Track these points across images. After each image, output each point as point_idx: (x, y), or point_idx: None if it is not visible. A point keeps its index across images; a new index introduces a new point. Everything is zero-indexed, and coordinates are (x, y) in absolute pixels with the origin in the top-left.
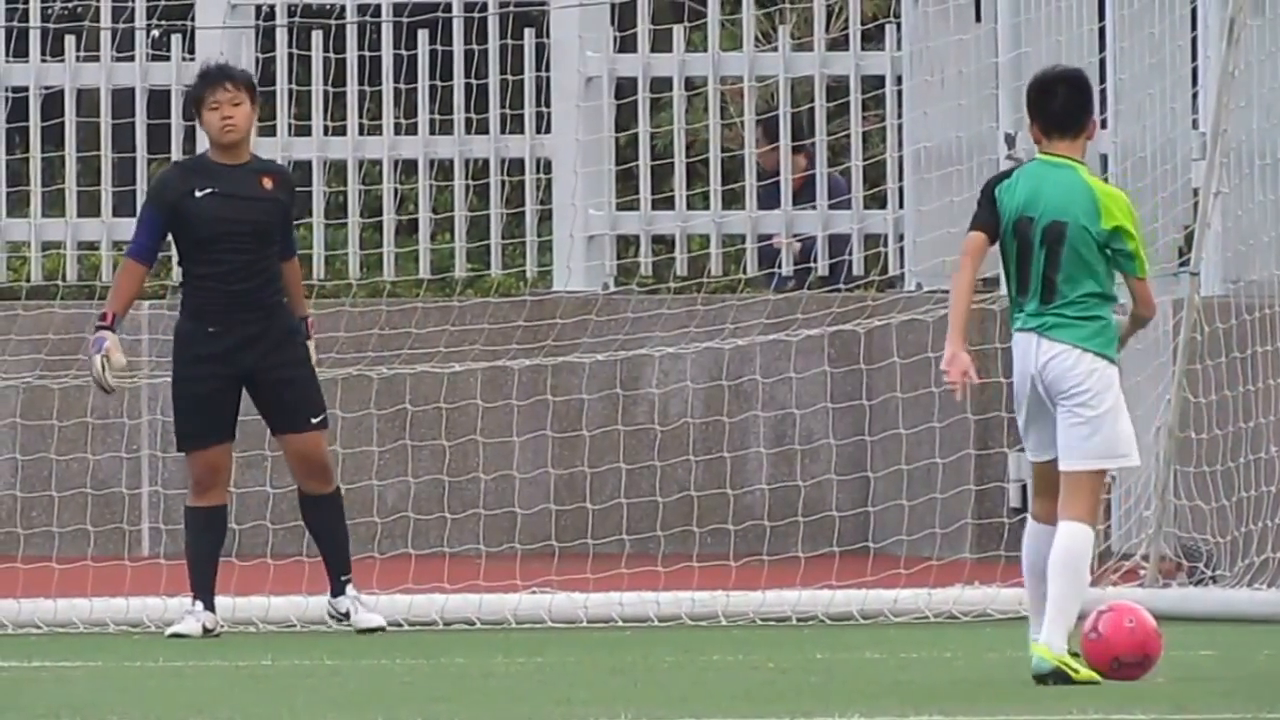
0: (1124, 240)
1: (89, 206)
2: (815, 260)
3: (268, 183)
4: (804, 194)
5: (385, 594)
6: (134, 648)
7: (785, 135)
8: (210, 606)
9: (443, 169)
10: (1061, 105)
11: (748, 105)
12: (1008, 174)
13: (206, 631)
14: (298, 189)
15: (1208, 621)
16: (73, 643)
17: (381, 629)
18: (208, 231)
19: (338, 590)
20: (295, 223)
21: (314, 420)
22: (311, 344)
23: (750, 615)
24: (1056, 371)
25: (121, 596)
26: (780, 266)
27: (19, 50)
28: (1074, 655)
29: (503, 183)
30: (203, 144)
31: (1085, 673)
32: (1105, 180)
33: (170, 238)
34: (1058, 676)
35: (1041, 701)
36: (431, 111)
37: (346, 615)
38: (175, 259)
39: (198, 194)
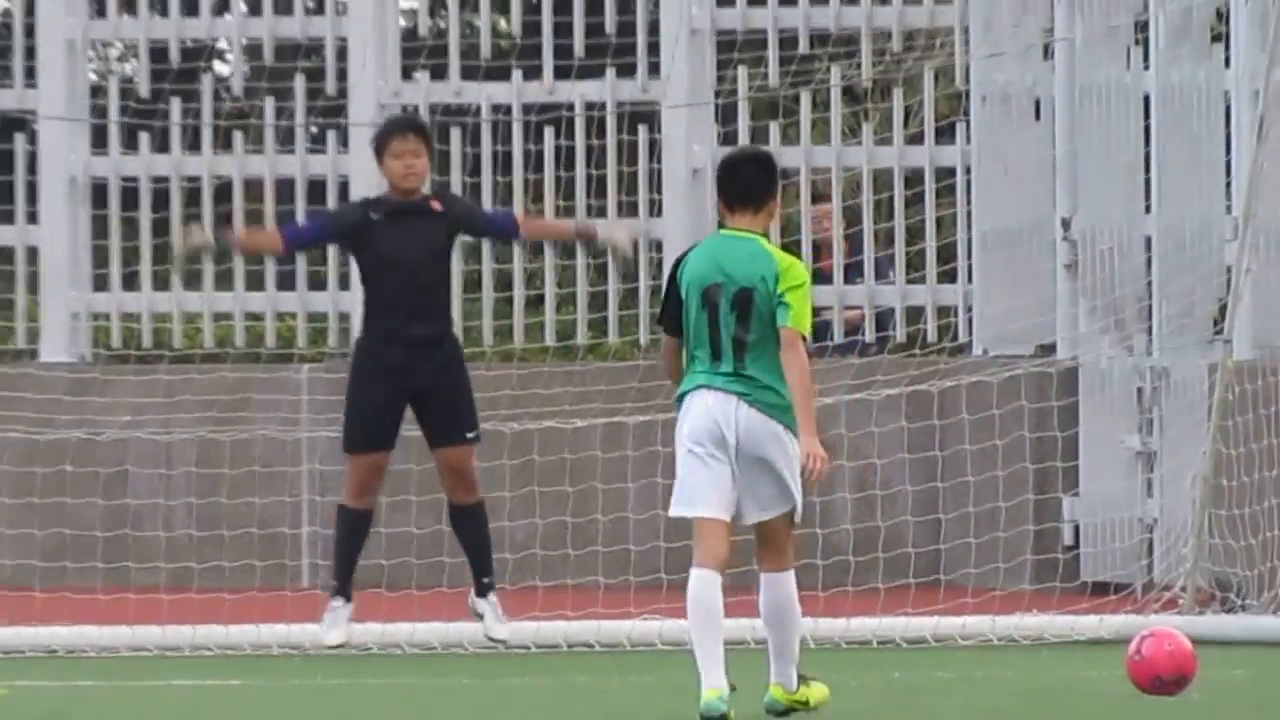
0: (790, 295)
1: (254, 282)
2: (894, 329)
3: (436, 205)
4: (851, 269)
5: (516, 620)
6: (294, 667)
7: (868, 219)
8: (348, 597)
9: (566, 249)
10: (744, 182)
11: (835, 193)
12: (689, 252)
13: (342, 642)
14: None
15: (1238, 645)
16: (241, 663)
17: (505, 642)
18: (388, 254)
19: (481, 591)
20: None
21: (469, 435)
22: (607, 232)
23: (836, 639)
24: (757, 436)
25: (284, 623)
26: (861, 334)
27: (192, 144)
28: (805, 680)
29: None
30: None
31: (817, 695)
32: (786, 250)
33: (355, 263)
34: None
35: (1089, 708)
36: (556, 198)
37: (483, 616)
38: (359, 277)
39: (374, 217)
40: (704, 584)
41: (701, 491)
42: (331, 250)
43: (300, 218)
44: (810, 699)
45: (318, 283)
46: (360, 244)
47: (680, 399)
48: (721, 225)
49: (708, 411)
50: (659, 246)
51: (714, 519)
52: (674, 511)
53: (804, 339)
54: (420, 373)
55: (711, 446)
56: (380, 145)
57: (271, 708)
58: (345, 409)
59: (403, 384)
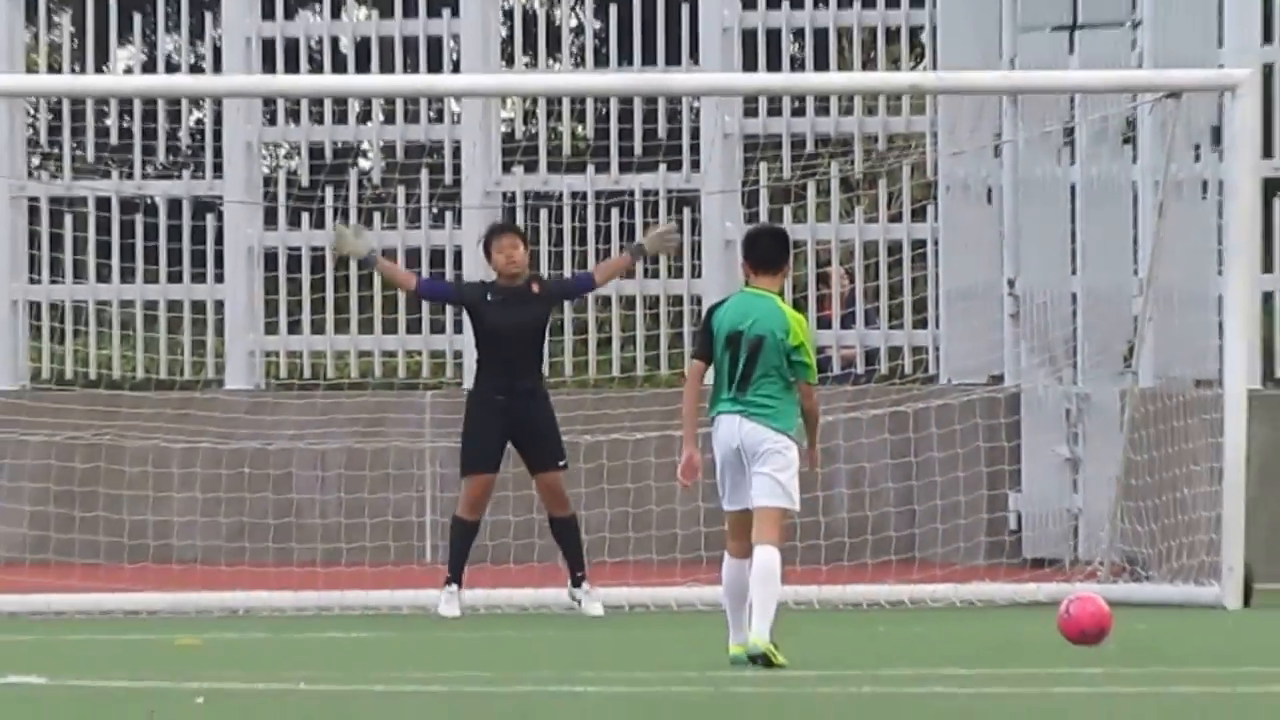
0: (802, 355)
1: (389, 326)
2: (879, 363)
3: (535, 287)
4: (846, 317)
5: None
6: (420, 623)
7: (860, 279)
8: (460, 583)
9: (628, 301)
10: (764, 251)
11: (834, 260)
12: (721, 304)
13: (456, 615)
14: None
15: (1143, 606)
16: (379, 620)
17: (600, 615)
18: (495, 327)
19: (575, 583)
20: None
21: (560, 464)
22: (653, 237)
23: (834, 603)
24: (752, 440)
25: (411, 589)
26: (854, 367)
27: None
28: (775, 646)
29: (669, 311)
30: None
31: (781, 659)
32: (796, 308)
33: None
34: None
35: (1029, 655)
36: None
37: (579, 603)
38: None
39: (490, 298)
40: (733, 570)
41: (727, 495)
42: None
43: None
44: (776, 658)
45: (439, 327)
46: (477, 317)
47: (711, 416)
48: (746, 283)
49: (726, 431)
50: (699, 300)
51: (737, 512)
52: (724, 506)
53: (811, 385)
54: (519, 417)
55: (731, 462)
56: (487, 244)
57: (402, 655)
58: (462, 443)
59: (506, 425)
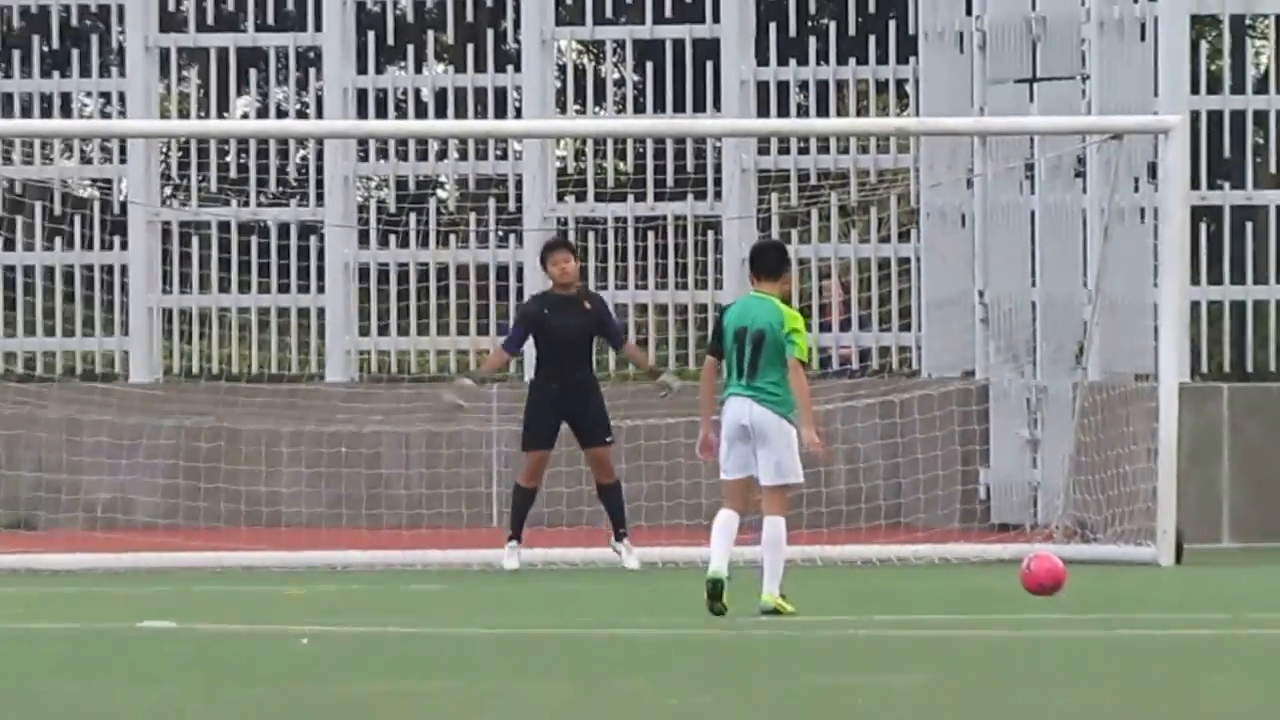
0: (794, 336)
1: (461, 328)
2: (872, 360)
3: (587, 304)
4: (844, 322)
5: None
6: (488, 578)
7: (855, 290)
8: (519, 539)
9: (661, 309)
10: (766, 262)
11: (834, 274)
12: (729, 306)
13: (516, 568)
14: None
15: (1091, 563)
16: (453, 574)
17: (637, 569)
18: (552, 331)
19: (618, 538)
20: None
21: (607, 439)
22: (666, 376)
23: (834, 560)
24: (760, 423)
25: (480, 549)
26: (850, 363)
27: (423, 243)
28: (784, 597)
29: (695, 318)
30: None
31: (789, 608)
32: (792, 307)
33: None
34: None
35: (997, 603)
36: (657, 276)
37: (620, 554)
38: (532, 345)
39: (546, 313)
40: (725, 516)
41: (728, 464)
42: (511, 310)
43: (494, 298)
44: (785, 608)
45: (503, 331)
46: (536, 326)
47: (723, 402)
48: (753, 286)
49: (735, 411)
50: (720, 308)
51: (734, 480)
52: (722, 476)
53: (803, 363)
54: (571, 403)
55: (737, 436)
56: (544, 257)
57: (472, 603)
58: (524, 424)
59: (560, 410)
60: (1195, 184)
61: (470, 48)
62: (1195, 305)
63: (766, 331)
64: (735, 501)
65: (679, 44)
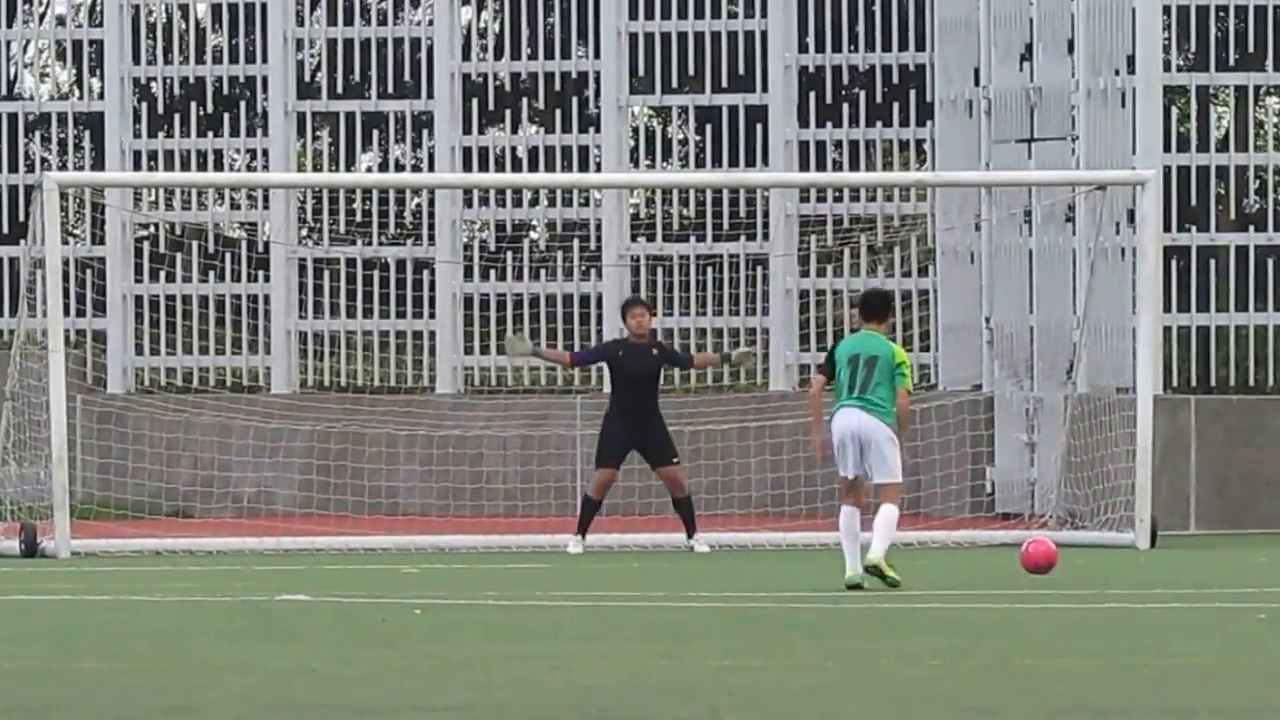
0: (903, 370)
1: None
2: None
3: (654, 350)
4: None
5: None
6: (572, 558)
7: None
8: (584, 535)
9: (717, 332)
10: (875, 305)
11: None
12: (841, 341)
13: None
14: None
15: (1080, 547)
16: (543, 555)
17: (707, 553)
18: (625, 371)
19: (690, 536)
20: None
21: (674, 460)
22: (736, 354)
23: (865, 545)
24: (869, 429)
25: (565, 535)
26: None
27: (518, 276)
28: (890, 565)
29: (745, 339)
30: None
31: (892, 573)
32: (898, 344)
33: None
34: (877, 572)
35: (1000, 581)
36: (714, 305)
37: (692, 549)
38: (608, 386)
39: (621, 354)
40: (848, 514)
41: (845, 464)
42: (592, 335)
43: (577, 323)
44: (888, 572)
45: (583, 348)
46: (611, 365)
47: (835, 410)
48: (858, 328)
49: (847, 419)
50: (767, 332)
51: (850, 477)
52: (840, 473)
53: (908, 391)
54: (638, 429)
55: (849, 439)
56: (624, 311)
57: (559, 580)
58: (598, 445)
59: (629, 435)
60: (1167, 227)
61: (558, 112)
62: (1167, 330)
63: (879, 358)
64: (853, 496)
65: (734, 109)
